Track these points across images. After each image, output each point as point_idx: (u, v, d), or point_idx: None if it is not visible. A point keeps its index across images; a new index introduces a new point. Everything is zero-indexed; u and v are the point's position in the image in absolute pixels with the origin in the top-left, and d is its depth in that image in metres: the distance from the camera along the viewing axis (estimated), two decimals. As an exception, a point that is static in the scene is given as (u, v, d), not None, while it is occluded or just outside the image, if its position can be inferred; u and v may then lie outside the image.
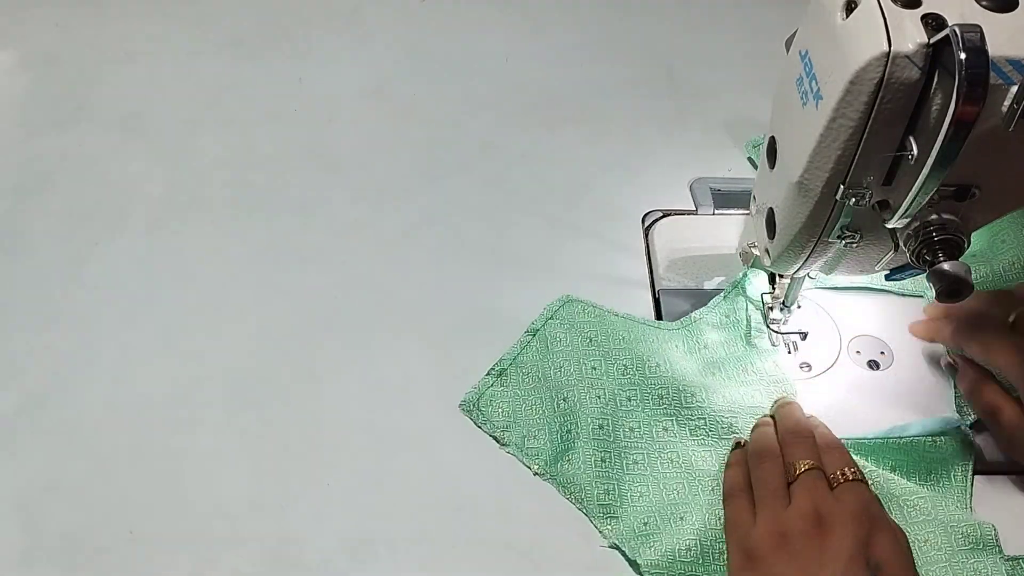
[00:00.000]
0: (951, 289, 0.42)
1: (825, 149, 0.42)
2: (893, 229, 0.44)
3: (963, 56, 0.35)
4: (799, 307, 0.59)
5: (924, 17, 0.38)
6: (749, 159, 0.72)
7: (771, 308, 0.59)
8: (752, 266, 0.61)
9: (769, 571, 0.47)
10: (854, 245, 0.47)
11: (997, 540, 0.51)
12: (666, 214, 0.68)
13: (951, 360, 0.58)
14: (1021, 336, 0.53)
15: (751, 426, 0.56)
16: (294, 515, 0.53)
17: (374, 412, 0.57)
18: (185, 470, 0.55)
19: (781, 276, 0.57)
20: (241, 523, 0.53)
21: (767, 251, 0.52)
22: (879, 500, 0.51)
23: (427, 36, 0.83)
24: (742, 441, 0.55)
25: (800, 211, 0.46)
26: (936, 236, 0.42)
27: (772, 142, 0.48)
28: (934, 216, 0.42)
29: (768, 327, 0.59)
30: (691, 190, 0.70)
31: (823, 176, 0.43)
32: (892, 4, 0.38)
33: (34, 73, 0.78)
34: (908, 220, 0.42)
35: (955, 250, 0.42)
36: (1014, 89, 0.37)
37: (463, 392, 0.58)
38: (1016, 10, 0.38)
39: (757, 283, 0.61)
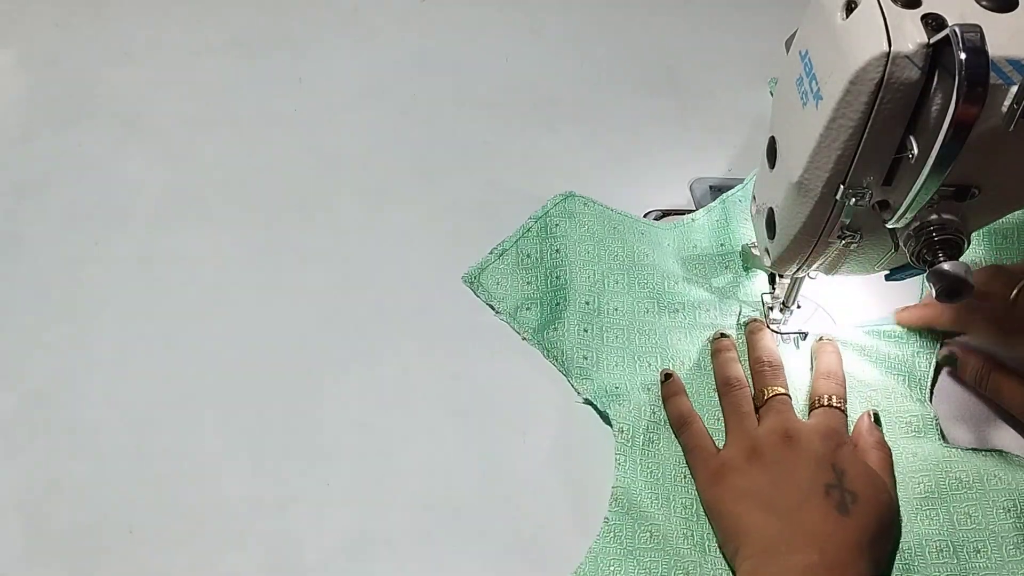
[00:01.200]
0: (951, 289, 0.42)
1: (825, 149, 0.42)
2: (893, 229, 0.44)
3: (963, 56, 0.35)
4: (799, 307, 0.59)
5: (924, 17, 0.38)
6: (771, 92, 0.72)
7: (771, 308, 0.59)
8: (752, 266, 0.61)
9: (742, 479, 0.50)
10: (854, 245, 0.47)
11: (938, 427, 0.54)
12: (666, 213, 0.68)
13: (950, 351, 0.58)
14: None
15: (729, 320, 0.60)
16: (294, 515, 0.53)
17: (374, 412, 0.57)
18: (185, 470, 0.55)
19: (781, 276, 0.57)
20: (241, 523, 0.53)
21: (767, 251, 0.52)
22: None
23: (427, 36, 0.82)
24: (671, 373, 0.57)
25: (800, 211, 0.46)
26: (936, 236, 0.42)
27: (772, 142, 0.48)
28: (934, 216, 0.42)
29: (768, 327, 0.59)
30: (691, 190, 0.70)
31: (823, 176, 0.43)
32: (892, 4, 0.38)
33: (34, 73, 0.78)
34: (908, 220, 0.42)
35: (955, 250, 0.42)
36: (1014, 89, 0.37)
37: (463, 392, 0.58)
38: (1016, 10, 0.38)
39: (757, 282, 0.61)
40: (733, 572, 0.49)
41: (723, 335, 0.58)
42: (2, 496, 0.53)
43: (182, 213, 0.68)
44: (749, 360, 0.57)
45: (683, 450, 0.54)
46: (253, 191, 0.70)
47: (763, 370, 0.55)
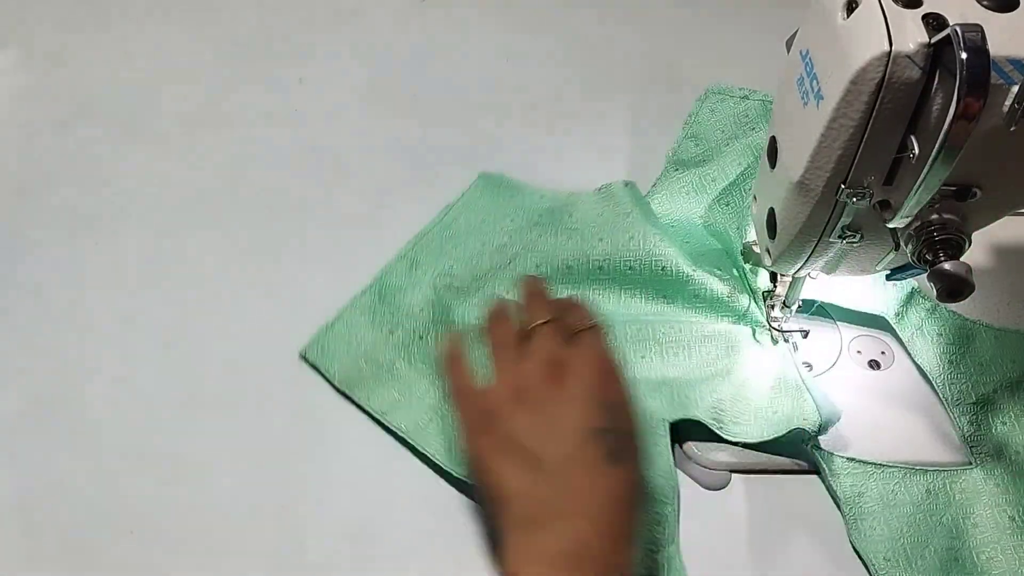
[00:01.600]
0: (952, 289, 0.41)
1: (826, 149, 0.42)
2: (894, 229, 0.44)
3: (964, 56, 0.35)
4: (799, 307, 0.59)
5: (925, 17, 0.37)
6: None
7: (772, 306, 0.59)
8: (752, 265, 0.61)
9: (508, 426, 0.44)
10: (855, 245, 0.47)
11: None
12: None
13: None
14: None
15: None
16: (294, 515, 0.53)
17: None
18: (185, 470, 0.55)
19: (782, 275, 0.57)
20: (241, 523, 0.53)
21: (767, 251, 0.52)
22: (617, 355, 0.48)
23: (427, 36, 0.82)
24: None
25: (800, 211, 0.46)
26: (937, 236, 0.42)
27: (772, 142, 0.48)
28: (935, 216, 0.42)
29: (769, 325, 0.59)
30: (691, 190, 0.70)
31: (824, 176, 0.43)
32: (893, 4, 0.38)
33: (34, 73, 0.78)
34: (909, 220, 0.42)
35: (956, 250, 0.42)
36: (1015, 89, 0.37)
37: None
38: (1017, 10, 0.38)
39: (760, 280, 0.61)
40: (495, 537, 0.45)
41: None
42: (2, 496, 0.53)
43: (182, 213, 0.68)
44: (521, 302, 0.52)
45: (445, 392, 0.49)
46: (253, 191, 0.70)
47: (530, 304, 0.50)
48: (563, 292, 0.61)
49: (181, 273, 0.64)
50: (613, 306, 0.61)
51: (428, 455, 0.54)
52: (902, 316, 0.60)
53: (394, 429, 0.55)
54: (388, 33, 0.83)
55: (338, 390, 0.58)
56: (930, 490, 0.53)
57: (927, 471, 0.54)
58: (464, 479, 0.52)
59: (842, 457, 0.54)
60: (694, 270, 0.60)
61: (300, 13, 0.84)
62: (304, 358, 0.59)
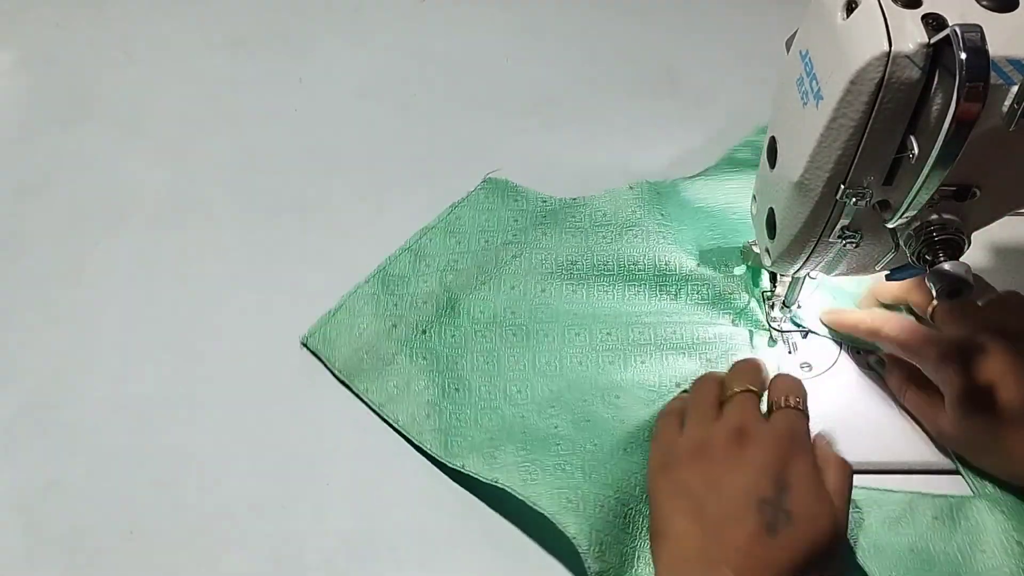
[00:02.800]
0: (952, 289, 0.41)
1: (825, 149, 0.42)
2: (894, 229, 0.44)
3: (964, 56, 0.35)
4: (799, 307, 0.59)
5: (924, 17, 0.37)
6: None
7: (772, 306, 0.59)
8: (752, 264, 0.61)
9: (680, 474, 0.47)
10: (854, 245, 0.47)
11: None
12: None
13: (880, 356, 0.57)
14: (940, 329, 0.53)
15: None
16: (294, 515, 0.53)
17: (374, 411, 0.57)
18: (185, 470, 0.55)
19: (782, 275, 0.57)
20: (241, 523, 0.53)
21: (767, 251, 0.52)
22: (811, 436, 0.50)
23: (427, 36, 0.82)
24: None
25: (800, 211, 0.46)
26: (937, 236, 0.42)
27: (772, 142, 0.48)
28: (935, 216, 0.42)
29: (769, 324, 0.59)
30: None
31: (823, 176, 0.43)
32: (892, 4, 0.38)
33: (34, 73, 0.78)
34: (908, 220, 0.42)
35: (956, 250, 0.42)
36: (1015, 89, 0.37)
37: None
38: (1016, 10, 0.38)
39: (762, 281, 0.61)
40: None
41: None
42: (2, 496, 0.53)
43: (182, 213, 0.68)
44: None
45: (653, 434, 0.52)
46: (253, 191, 0.70)
47: (738, 370, 0.53)
48: (567, 287, 0.62)
49: (181, 273, 0.64)
50: (617, 303, 0.61)
51: (425, 449, 0.54)
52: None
53: (391, 422, 0.56)
54: (388, 33, 0.83)
55: (339, 379, 0.58)
56: (937, 516, 0.52)
57: (935, 498, 0.52)
58: (460, 471, 0.53)
59: (881, 491, 0.53)
60: (697, 266, 0.61)
61: (300, 13, 0.84)
62: (305, 345, 0.59)
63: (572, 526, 0.48)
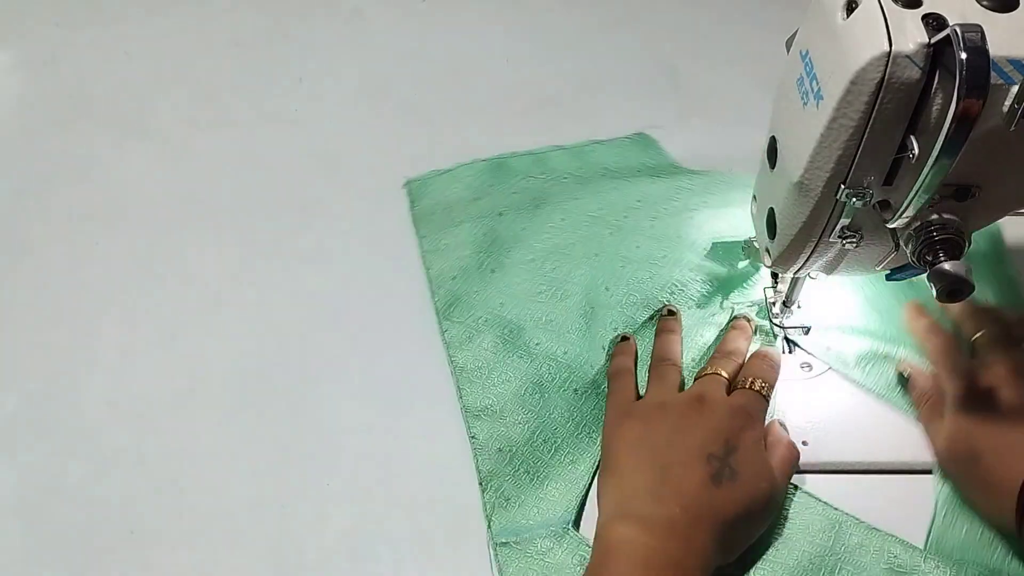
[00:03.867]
0: (952, 289, 0.41)
1: (826, 149, 0.42)
2: (894, 229, 0.44)
3: (964, 56, 0.35)
4: (799, 307, 0.59)
5: (925, 17, 0.37)
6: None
7: (773, 303, 0.59)
8: (754, 261, 0.61)
9: (641, 426, 0.51)
10: (854, 245, 0.47)
11: None
12: (666, 214, 0.68)
13: (906, 369, 0.56)
14: (979, 358, 0.53)
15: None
16: (294, 515, 0.53)
17: (374, 411, 0.57)
18: (185, 470, 0.55)
19: (782, 275, 0.57)
20: (241, 523, 0.53)
21: (767, 251, 0.52)
22: (769, 420, 0.53)
23: (427, 36, 0.83)
24: (629, 336, 0.59)
25: (800, 211, 0.46)
26: (937, 236, 0.42)
27: (772, 142, 0.48)
28: (935, 216, 0.42)
29: (771, 322, 0.59)
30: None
31: (824, 176, 0.43)
32: (893, 4, 0.38)
33: (34, 73, 0.79)
34: (909, 220, 0.42)
35: (956, 250, 0.42)
36: (1015, 89, 0.37)
37: (463, 393, 0.58)
38: (1016, 10, 0.38)
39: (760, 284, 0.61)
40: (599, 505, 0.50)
41: (671, 312, 0.59)
42: (2, 496, 0.53)
43: (182, 213, 0.68)
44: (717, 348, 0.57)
45: (607, 395, 0.56)
46: (253, 191, 0.70)
47: (717, 356, 0.56)
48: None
49: (180, 272, 0.64)
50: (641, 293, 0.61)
51: (432, 301, 0.61)
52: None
53: (426, 268, 0.63)
54: (388, 33, 0.83)
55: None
56: (861, 544, 0.50)
57: (889, 537, 0.50)
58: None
59: (820, 501, 0.52)
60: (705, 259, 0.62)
61: (300, 13, 0.84)
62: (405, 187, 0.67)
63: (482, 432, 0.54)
